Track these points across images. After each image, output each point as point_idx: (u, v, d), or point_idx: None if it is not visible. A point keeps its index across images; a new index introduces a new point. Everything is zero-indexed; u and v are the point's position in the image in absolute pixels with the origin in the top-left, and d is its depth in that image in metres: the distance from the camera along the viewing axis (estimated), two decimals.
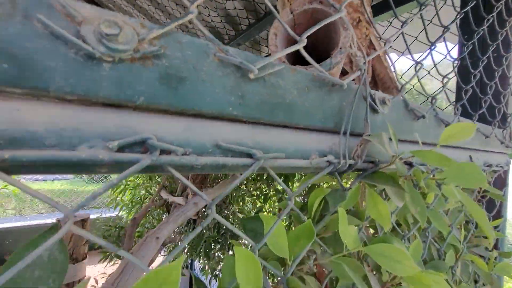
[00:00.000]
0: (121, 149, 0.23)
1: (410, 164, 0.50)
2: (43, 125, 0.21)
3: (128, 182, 3.20)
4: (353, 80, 0.45)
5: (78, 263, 2.97)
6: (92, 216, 3.41)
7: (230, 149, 0.29)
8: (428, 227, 0.66)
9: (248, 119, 0.31)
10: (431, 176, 0.48)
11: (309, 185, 0.69)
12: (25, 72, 0.19)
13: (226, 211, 2.47)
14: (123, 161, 0.23)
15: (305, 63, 0.40)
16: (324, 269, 0.48)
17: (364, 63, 0.40)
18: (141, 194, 3.17)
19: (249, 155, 0.31)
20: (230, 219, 2.51)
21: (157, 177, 3.01)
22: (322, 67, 0.36)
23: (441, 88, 0.60)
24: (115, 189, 3.11)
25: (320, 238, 0.44)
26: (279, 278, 0.40)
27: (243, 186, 2.29)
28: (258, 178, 2.19)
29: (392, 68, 0.75)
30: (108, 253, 2.73)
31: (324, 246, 0.43)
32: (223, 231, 2.41)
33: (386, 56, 0.73)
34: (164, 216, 2.77)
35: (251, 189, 2.35)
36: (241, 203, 2.47)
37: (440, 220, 0.60)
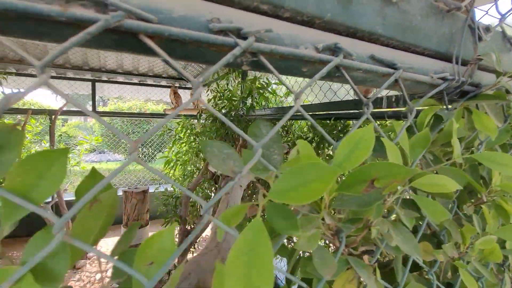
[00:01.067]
0: (319, 51, 0.33)
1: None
2: (283, 31, 0.31)
3: (178, 159, 3.50)
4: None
5: (142, 228, 3.42)
6: (150, 190, 3.87)
7: (380, 60, 0.38)
8: None
9: (387, 38, 0.39)
10: None
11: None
12: None
13: None
14: (323, 60, 0.33)
15: None
16: None
17: None
18: (189, 169, 3.46)
19: (391, 66, 0.39)
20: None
21: (201, 153, 3.25)
22: None
23: None
24: (166, 165, 3.43)
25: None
26: None
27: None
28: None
29: None
30: (168, 220, 3.07)
31: (428, 160, 0.50)
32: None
33: None
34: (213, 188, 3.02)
35: None
36: None
37: None
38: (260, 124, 0.35)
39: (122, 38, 0.23)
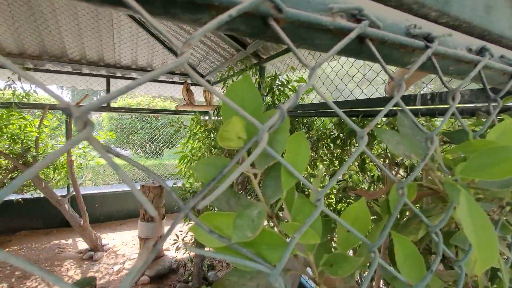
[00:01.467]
0: (471, 53, 0.37)
1: None
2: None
3: (194, 155, 3.56)
4: None
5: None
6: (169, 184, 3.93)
7: (509, 60, 0.42)
8: None
9: (508, 40, 0.44)
10: None
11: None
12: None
13: None
14: (474, 60, 0.37)
15: None
16: None
17: None
18: None
19: None
20: (301, 184, 2.68)
21: (215, 149, 3.32)
22: None
23: None
24: (181, 161, 3.46)
25: None
26: None
27: (312, 153, 2.43)
28: (331, 144, 2.31)
29: None
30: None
31: None
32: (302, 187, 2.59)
33: None
34: None
35: (323, 154, 2.48)
36: (312, 168, 2.62)
37: None
38: (405, 119, 0.40)
39: (353, 43, 0.28)
